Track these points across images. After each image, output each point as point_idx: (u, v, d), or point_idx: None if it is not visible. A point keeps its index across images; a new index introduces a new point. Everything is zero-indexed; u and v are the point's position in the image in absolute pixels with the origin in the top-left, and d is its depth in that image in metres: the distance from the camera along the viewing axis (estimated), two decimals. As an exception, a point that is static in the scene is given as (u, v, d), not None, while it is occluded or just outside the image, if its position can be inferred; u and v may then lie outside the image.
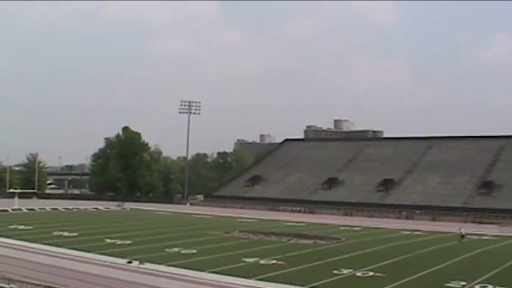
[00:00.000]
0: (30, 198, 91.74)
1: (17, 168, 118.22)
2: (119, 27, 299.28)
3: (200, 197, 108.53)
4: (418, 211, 78.22)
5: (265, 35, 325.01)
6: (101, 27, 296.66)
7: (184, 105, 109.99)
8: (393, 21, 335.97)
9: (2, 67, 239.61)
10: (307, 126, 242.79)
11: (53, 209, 79.13)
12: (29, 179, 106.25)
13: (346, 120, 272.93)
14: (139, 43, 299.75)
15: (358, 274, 30.31)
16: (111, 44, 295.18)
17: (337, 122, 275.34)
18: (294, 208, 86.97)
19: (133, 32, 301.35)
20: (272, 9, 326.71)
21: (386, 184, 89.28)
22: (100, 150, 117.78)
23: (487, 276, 30.66)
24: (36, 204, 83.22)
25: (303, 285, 26.80)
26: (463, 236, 48.19)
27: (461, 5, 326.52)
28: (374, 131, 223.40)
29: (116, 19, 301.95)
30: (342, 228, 60.28)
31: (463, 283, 28.01)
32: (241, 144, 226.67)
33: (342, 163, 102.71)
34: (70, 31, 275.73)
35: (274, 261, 33.81)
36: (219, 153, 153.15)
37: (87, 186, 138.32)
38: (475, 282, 28.52)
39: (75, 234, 47.15)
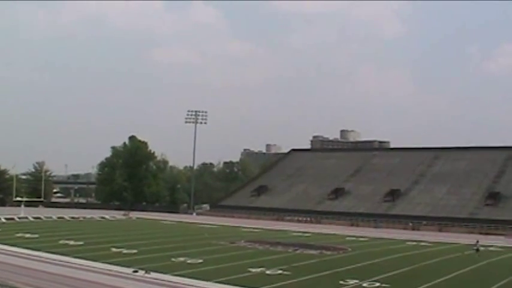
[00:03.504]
0: (37, 206, 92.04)
1: (24, 177, 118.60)
2: (124, 37, 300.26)
3: (206, 206, 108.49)
4: (424, 222, 77.89)
5: (270, 45, 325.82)
6: (106, 37, 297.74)
7: (191, 115, 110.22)
8: (398, 32, 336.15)
9: (8, 75, 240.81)
10: (314, 137, 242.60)
11: (59, 217, 79.23)
12: (36, 187, 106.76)
13: (352, 131, 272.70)
14: (144, 52, 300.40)
15: (364, 285, 30.20)
16: (116, 54, 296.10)
17: (343, 132, 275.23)
18: (300, 218, 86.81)
19: (138, 41, 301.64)
20: (277, 19, 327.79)
21: (393, 194, 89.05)
22: (106, 159, 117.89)
23: None
24: (43, 212, 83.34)
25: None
26: (477, 250, 47.83)
27: (466, 17, 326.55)
28: (380, 142, 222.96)
29: (120, 29, 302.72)
30: (348, 238, 60.11)
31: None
32: (247, 154, 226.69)
33: (349, 173, 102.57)
34: (75, 40, 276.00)
35: (280, 272, 33.78)
36: (225, 163, 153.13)
37: (93, 195, 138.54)
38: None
39: (81, 243, 47.22)
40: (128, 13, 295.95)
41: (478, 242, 49.55)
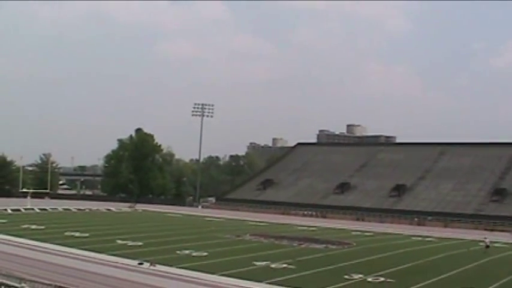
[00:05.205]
0: (43, 198, 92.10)
1: (30, 168, 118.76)
2: (129, 31, 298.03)
3: (212, 199, 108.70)
4: (430, 217, 77.92)
5: (276, 40, 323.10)
6: (111, 31, 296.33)
7: (198, 108, 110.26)
8: (404, 28, 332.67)
9: (15, 71, 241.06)
10: (320, 131, 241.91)
11: (65, 209, 79.48)
12: (42, 179, 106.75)
13: (358, 125, 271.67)
14: (150, 46, 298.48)
15: (369, 279, 30.22)
16: (122, 48, 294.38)
17: (349, 127, 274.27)
18: (305, 212, 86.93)
19: (144, 35, 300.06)
20: (283, 15, 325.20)
21: (399, 190, 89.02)
22: (113, 151, 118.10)
23: (497, 284, 30.53)
24: (49, 204, 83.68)
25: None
26: (487, 247, 47.79)
27: (472, 13, 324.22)
28: (386, 136, 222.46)
29: (126, 23, 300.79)
30: (353, 233, 60.16)
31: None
32: (253, 147, 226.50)
33: (354, 168, 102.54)
34: (80, 35, 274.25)
35: (284, 265, 33.82)
36: (231, 156, 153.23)
37: (99, 187, 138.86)
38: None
39: (86, 234, 47.35)
40: (133, 8, 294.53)
41: (486, 238, 49.51)
